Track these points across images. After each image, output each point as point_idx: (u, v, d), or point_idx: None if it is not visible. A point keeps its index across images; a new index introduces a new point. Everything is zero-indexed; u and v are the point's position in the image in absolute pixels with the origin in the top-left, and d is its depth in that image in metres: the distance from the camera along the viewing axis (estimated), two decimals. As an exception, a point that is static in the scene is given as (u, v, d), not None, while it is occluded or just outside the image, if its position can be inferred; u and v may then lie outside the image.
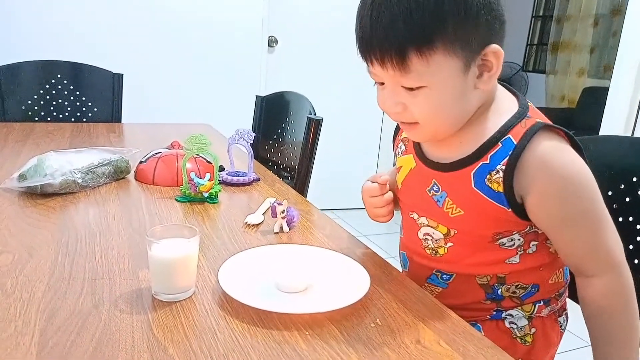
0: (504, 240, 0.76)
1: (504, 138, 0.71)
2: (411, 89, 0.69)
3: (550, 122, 0.72)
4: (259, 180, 1.27)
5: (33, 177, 1.05)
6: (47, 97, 2.02)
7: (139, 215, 0.99)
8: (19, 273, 0.73)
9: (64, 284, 0.71)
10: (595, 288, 0.72)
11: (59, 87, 2.04)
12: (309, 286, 0.73)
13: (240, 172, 1.27)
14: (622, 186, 0.92)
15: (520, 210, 0.72)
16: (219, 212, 1.05)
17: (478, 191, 0.73)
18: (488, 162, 0.72)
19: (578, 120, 4.32)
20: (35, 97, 2.00)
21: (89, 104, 2.08)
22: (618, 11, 4.35)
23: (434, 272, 0.83)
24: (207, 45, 2.77)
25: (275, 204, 0.95)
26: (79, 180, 1.09)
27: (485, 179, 0.72)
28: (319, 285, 0.74)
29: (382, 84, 0.73)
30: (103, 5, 2.54)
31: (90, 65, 2.07)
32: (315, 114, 1.41)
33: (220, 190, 1.12)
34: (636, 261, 0.90)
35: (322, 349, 0.60)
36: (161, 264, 0.68)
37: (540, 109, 0.75)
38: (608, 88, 2.27)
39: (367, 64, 0.70)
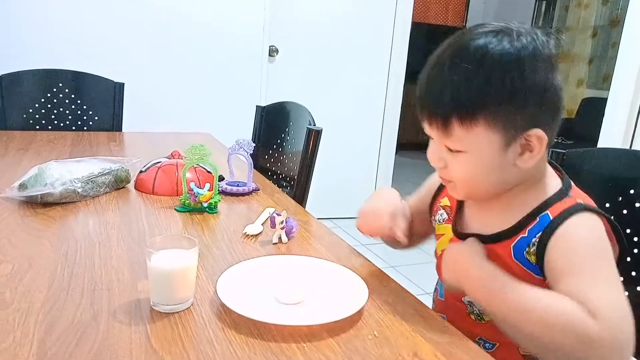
0: None
1: (542, 214, 0.72)
2: (451, 150, 0.72)
3: (591, 205, 0.73)
4: (259, 190, 1.28)
5: (34, 186, 1.06)
6: (49, 105, 2.03)
7: (139, 225, 1.00)
8: (18, 283, 0.73)
9: (63, 294, 0.71)
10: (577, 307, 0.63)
11: (61, 95, 2.05)
12: (306, 297, 0.74)
13: (239, 182, 1.28)
14: (620, 198, 0.93)
15: None
16: (218, 222, 1.06)
17: (518, 263, 0.74)
18: (526, 235, 0.73)
19: (577, 130, 4.34)
20: (37, 105, 2.01)
21: (90, 112, 2.09)
22: (617, 22, 4.39)
23: (477, 339, 0.81)
24: (208, 55, 2.79)
25: (274, 214, 0.95)
26: (79, 190, 1.10)
27: (525, 252, 0.73)
28: (317, 296, 0.75)
29: (432, 138, 0.76)
30: (105, 14, 2.56)
31: (92, 74, 2.09)
32: (314, 124, 1.42)
33: (219, 200, 1.12)
34: (634, 273, 0.90)
35: (320, 361, 0.60)
36: (160, 275, 0.68)
37: None
38: (607, 99, 2.28)
39: (420, 120, 0.74)
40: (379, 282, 0.82)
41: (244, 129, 1.99)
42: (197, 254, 0.70)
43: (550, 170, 0.78)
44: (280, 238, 0.95)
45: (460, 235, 0.82)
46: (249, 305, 0.69)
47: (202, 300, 0.72)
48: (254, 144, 1.25)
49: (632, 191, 0.91)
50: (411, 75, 3.44)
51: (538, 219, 0.72)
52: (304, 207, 1.35)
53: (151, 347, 0.61)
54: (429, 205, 0.93)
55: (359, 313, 0.69)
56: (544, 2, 5.08)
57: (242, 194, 1.24)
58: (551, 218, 0.71)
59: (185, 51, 2.74)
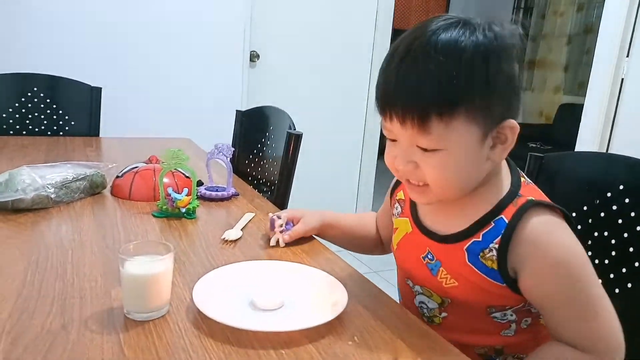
0: (497, 314, 0.76)
1: (496, 218, 0.71)
2: (426, 150, 0.68)
3: (542, 199, 0.72)
4: (238, 195, 1.26)
5: (4, 192, 1.02)
6: (23, 110, 1.98)
7: (114, 232, 0.97)
8: (-15, 292, 0.71)
9: (32, 303, 0.69)
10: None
11: (35, 100, 2.00)
12: (285, 303, 0.72)
13: (219, 186, 1.26)
14: (597, 201, 0.94)
15: (514, 286, 0.71)
16: (196, 228, 1.04)
17: (472, 266, 0.72)
18: (480, 239, 0.71)
19: (554, 135, 4.41)
20: (10, 110, 1.96)
21: (66, 117, 2.04)
22: (590, 29, 4.48)
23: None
24: (188, 59, 2.76)
25: (274, 217, 0.94)
26: (52, 196, 1.07)
27: (479, 256, 0.72)
28: (296, 302, 0.73)
29: (394, 140, 0.72)
30: (82, 18, 2.51)
31: (68, 79, 2.04)
32: (295, 129, 1.41)
33: (198, 206, 1.10)
34: (612, 275, 0.91)
35: (299, 368, 0.59)
36: (133, 282, 0.66)
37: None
38: (583, 105, 2.32)
39: (385, 119, 0.70)
40: (359, 287, 0.81)
41: (224, 134, 1.96)
42: (172, 260, 0.69)
43: (505, 166, 0.76)
44: (278, 241, 0.93)
45: (421, 228, 0.80)
46: (225, 312, 0.67)
47: (178, 307, 0.71)
48: (234, 149, 1.23)
49: (609, 194, 0.92)
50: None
51: (493, 223, 0.71)
52: (284, 212, 1.33)
53: (124, 357, 0.59)
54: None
55: (339, 318, 0.68)
56: (522, 10, 5.17)
57: (221, 199, 1.22)
58: (506, 221, 0.70)
59: (164, 55, 2.71)
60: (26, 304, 0.68)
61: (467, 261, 0.73)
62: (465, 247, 0.73)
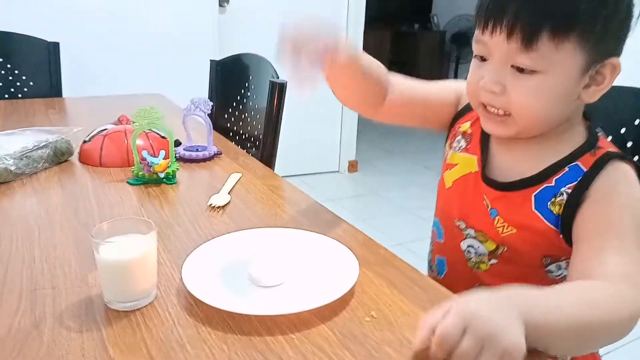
0: (552, 267, 0.71)
1: (572, 164, 0.67)
2: (522, 71, 0.63)
3: (621, 153, 0.67)
4: (221, 154, 1.15)
5: (-45, 167, 0.90)
6: (-27, 72, 1.80)
7: (86, 205, 0.87)
8: (-61, 289, 0.61)
9: (-5, 298, 0.59)
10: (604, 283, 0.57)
11: (-14, 60, 1.82)
12: (288, 277, 0.64)
13: (199, 145, 1.15)
14: (610, 139, 0.87)
15: (569, 235, 0.66)
16: (178, 194, 0.94)
17: (537, 213, 0.68)
18: (553, 184, 0.67)
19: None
20: (-41, 72, 1.78)
21: (23, 77, 1.87)
22: None
23: (476, 285, 0.76)
24: (152, 7, 2.55)
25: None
26: (12, 168, 0.95)
27: (549, 202, 0.67)
28: (301, 275, 0.65)
29: (484, 60, 0.67)
30: (29, -35, 2.27)
31: (21, 34, 1.86)
32: (278, 77, 1.29)
33: (177, 169, 1.00)
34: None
35: (313, 354, 0.51)
36: (112, 267, 0.57)
37: None
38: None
39: (484, 32, 0.64)
40: (367, 250, 0.73)
41: (198, 87, 1.82)
42: (155, 239, 0.59)
43: (580, 115, 0.71)
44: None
45: (486, 179, 0.73)
46: (222, 294, 0.59)
47: (167, 290, 0.62)
48: (212, 103, 1.11)
49: (622, 130, 0.85)
50: (369, 20, 3.30)
51: (567, 168, 0.67)
52: (273, 169, 1.24)
53: (109, 357, 0.50)
54: (443, 112, 0.84)
55: (351, 291, 0.61)
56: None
57: (203, 160, 1.11)
58: (584, 170, 0.66)
59: (126, 3, 2.49)
60: (-11, 300, 0.59)
61: (533, 208, 0.68)
62: (534, 193, 0.68)
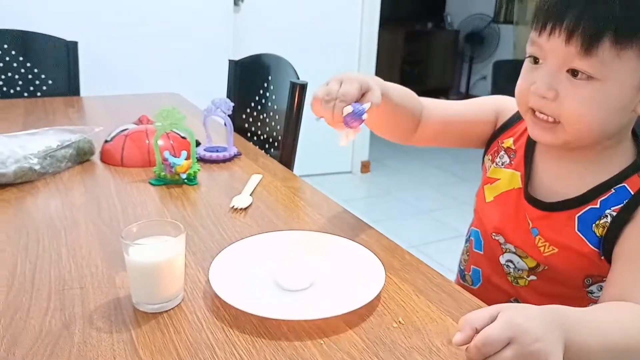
0: (594, 288, 0.69)
1: (618, 185, 0.65)
2: (576, 75, 0.60)
3: None
4: (241, 155, 1.15)
5: (-19, 166, 0.91)
6: (-6, 70, 1.82)
7: (109, 204, 0.87)
8: (-30, 288, 0.61)
9: (26, 298, 0.60)
10: None
11: (7, 58, 1.83)
12: (314, 281, 0.64)
13: (219, 146, 1.15)
14: None
15: (611, 257, 0.65)
16: (200, 196, 0.94)
17: (580, 235, 0.67)
18: (598, 206, 0.65)
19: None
20: (-20, 71, 1.80)
21: (43, 76, 1.88)
22: None
23: (512, 300, 0.75)
24: (168, 6, 2.56)
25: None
26: (37, 167, 0.96)
27: (593, 224, 0.66)
28: (327, 279, 0.65)
29: (537, 62, 0.64)
30: (48, -35, 2.29)
31: (41, 33, 1.87)
32: (298, 77, 1.29)
33: (199, 170, 1.00)
34: None
35: (342, 360, 0.51)
36: (142, 270, 0.57)
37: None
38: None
39: (541, 34, 0.62)
40: (391, 255, 0.73)
41: (213, 86, 1.83)
42: (184, 242, 0.59)
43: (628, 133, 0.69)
44: (348, 136, 0.72)
45: (529, 198, 0.72)
46: (249, 297, 0.59)
47: (194, 293, 0.62)
48: (232, 104, 1.12)
49: None
50: (383, 20, 3.28)
51: (614, 190, 0.65)
52: (292, 170, 1.24)
53: (139, 359, 0.51)
54: (482, 131, 0.82)
55: (378, 297, 0.60)
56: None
57: (223, 160, 1.11)
58: (631, 193, 0.64)
59: (143, 4, 2.51)
60: (19, 300, 0.59)
61: (576, 230, 0.67)
62: (578, 214, 0.67)
